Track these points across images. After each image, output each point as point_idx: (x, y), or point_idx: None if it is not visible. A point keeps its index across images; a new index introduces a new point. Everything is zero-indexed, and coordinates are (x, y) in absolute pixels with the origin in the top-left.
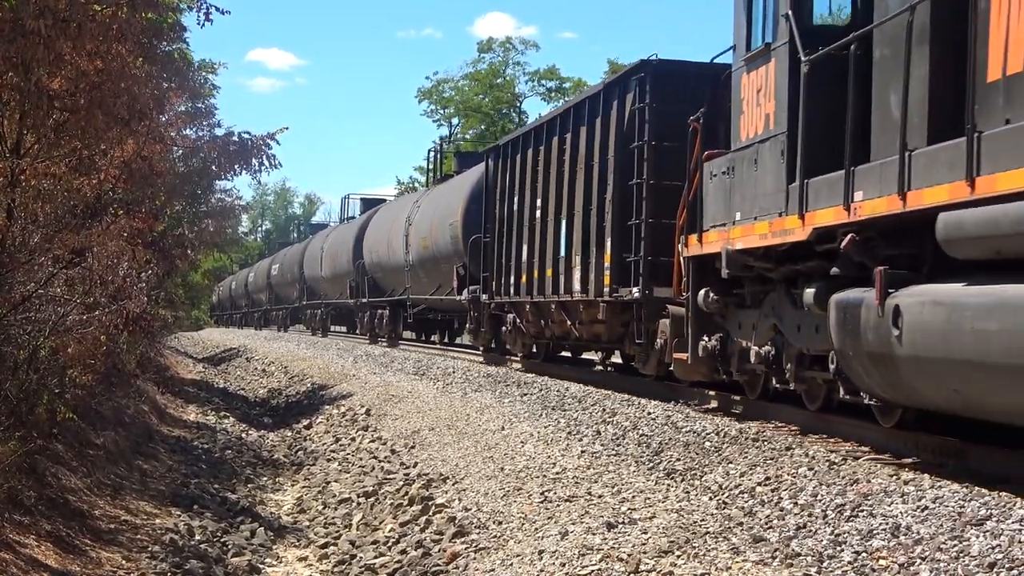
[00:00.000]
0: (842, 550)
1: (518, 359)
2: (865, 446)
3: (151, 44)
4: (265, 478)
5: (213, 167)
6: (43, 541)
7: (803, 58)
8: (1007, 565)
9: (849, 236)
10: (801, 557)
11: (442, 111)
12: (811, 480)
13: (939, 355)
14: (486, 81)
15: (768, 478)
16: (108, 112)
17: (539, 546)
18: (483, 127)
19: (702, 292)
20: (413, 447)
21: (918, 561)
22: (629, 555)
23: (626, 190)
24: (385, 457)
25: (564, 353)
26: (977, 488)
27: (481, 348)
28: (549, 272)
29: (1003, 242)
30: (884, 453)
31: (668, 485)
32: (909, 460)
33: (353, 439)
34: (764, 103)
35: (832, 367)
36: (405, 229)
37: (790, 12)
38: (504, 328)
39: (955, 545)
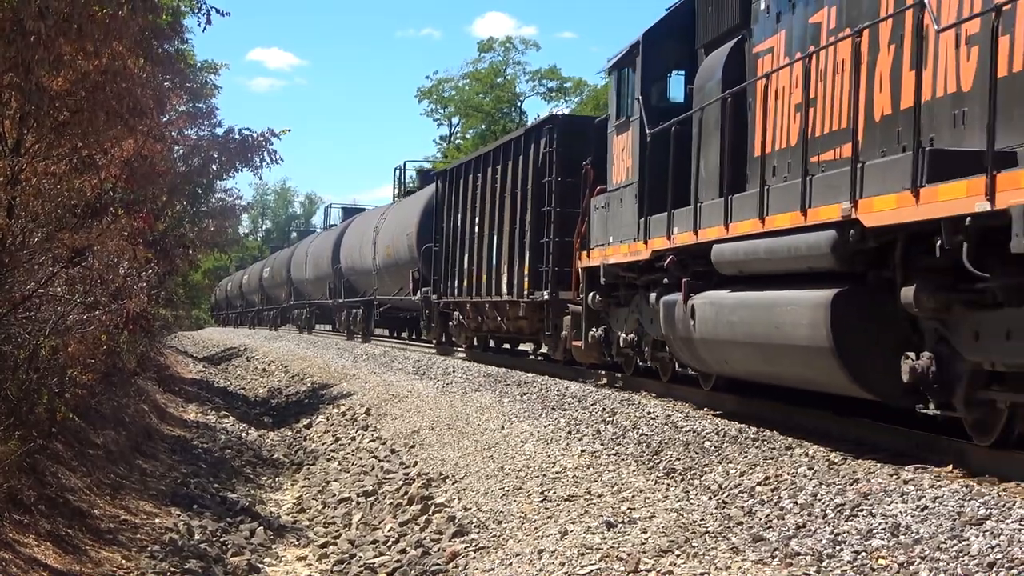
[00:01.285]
0: (842, 549)
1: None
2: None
3: (151, 44)
4: (265, 477)
5: (214, 166)
6: (43, 540)
7: (648, 131)
8: (1007, 564)
9: (670, 257)
10: (801, 556)
11: (442, 111)
12: (811, 480)
13: (714, 337)
14: (487, 81)
15: (768, 477)
16: (109, 112)
17: (539, 545)
18: (483, 127)
19: (591, 295)
20: (413, 446)
21: (918, 560)
22: (629, 554)
23: (539, 215)
24: (385, 456)
25: (506, 345)
26: (977, 488)
27: (434, 341)
28: (484, 277)
29: (741, 265)
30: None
31: (668, 484)
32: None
33: (353, 438)
34: (626, 159)
35: (668, 349)
36: (373, 238)
37: (640, 97)
38: (451, 323)
39: (955, 545)
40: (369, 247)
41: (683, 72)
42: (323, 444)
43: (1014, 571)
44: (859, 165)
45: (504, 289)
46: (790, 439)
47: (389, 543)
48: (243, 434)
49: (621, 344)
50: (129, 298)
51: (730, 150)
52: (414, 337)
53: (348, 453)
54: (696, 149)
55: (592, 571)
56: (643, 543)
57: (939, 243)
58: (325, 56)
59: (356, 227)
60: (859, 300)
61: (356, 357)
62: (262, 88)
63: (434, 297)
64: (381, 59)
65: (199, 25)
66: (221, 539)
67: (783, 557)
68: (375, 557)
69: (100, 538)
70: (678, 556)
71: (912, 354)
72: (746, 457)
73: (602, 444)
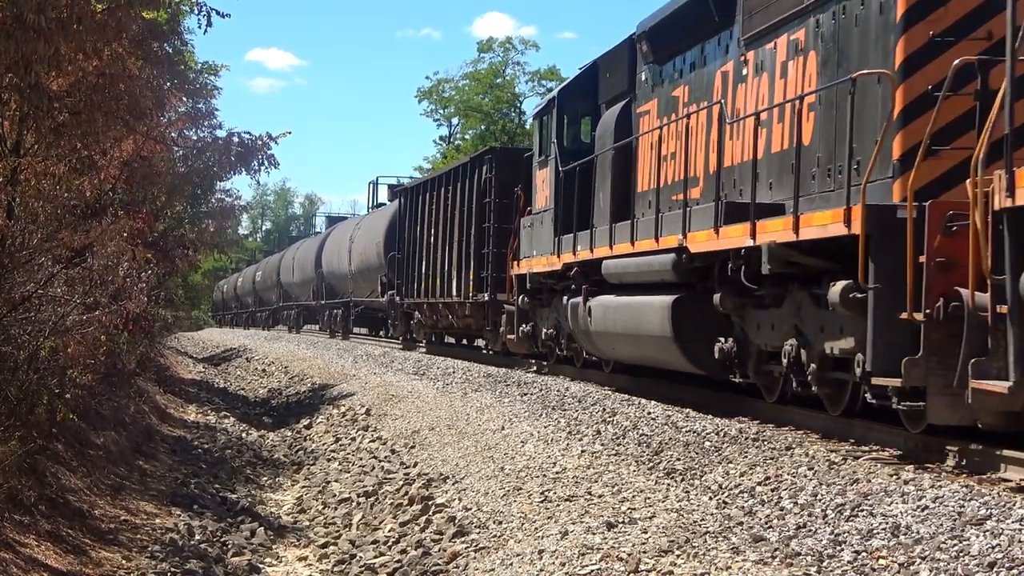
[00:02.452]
0: (842, 550)
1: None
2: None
3: (150, 45)
4: (265, 478)
5: (214, 168)
6: (43, 541)
7: (560, 169)
8: (1007, 565)
9: (575, 269)
10: (801, 557)
11: (442, 111)
12: (811, 480)
13: (604, 331)
14: (486, 81)
15: (768, 478)
16: (107, 113)
17: (539, 546)
18: (483, 127)
19: (520, 297)
20: (413, 447)
21: (918, 561)
22: (629, 555)
23: (481, 230)
24: (385, 457)
25: (462, 340)
26: (977, 488)
27: (400, 338)
28: (438, 281)
29: (620, 276)
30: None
31: (668, 485)
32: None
33: (353, 439)
34: (545, 189)
35: (575, 340)
36: (349, 246)
37: (555, 141)
38: (412, 321)
39: (955, 545)
40: (345, 254)
41: (590, 119)
42: (323, 444)
43: (1015, 571)
44: (688, 209)
45: (454, 292)
46: (790, 439)
47: (389, 543)
48: (243, 434)
49: (544, 337)
50: (129, 299)
51: (618, 188)
52: (389, 334)
53: (348, 453)
54: (595, 185)
55: (593, 571)
56: (643, 543)
57: (730, 265)
58: (325, 56)
59: (335, 235)
60: (690, 303)
61: (356, 357)
62: (262, 89)
63: (398, 299)
64: (381, 59)
65: (199, 27)
66: (221, 539)
67: (783, 557)
68: (375, 557)
69: (100, 538)
70: (678, 556)
71: (722, 339)
72: (746, 457)
73: (602, 444)
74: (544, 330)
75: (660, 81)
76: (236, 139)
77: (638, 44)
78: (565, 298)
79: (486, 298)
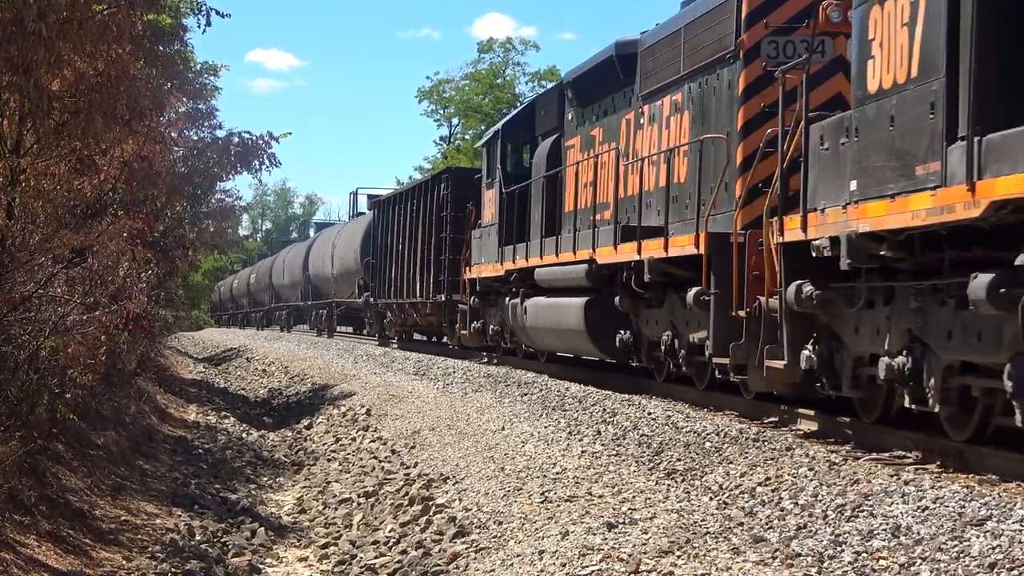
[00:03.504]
0: (842, 550)
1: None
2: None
3: (151, 46)
4: (265, 478)
5: (215, 168)
6: (43, 541)
7: (504, 190)
8: (1007, 565)
9: (515, 275)
10: (801, 557)
11: (442, 111)
12: (811, 480)
13: (536, 326)
14: (486, 81)
15: (768, 478)
16: (107, 113)
17: (539, 546)
18: (483, 127)
19: (472, 298)
20: (413, 447)
21: (918, 561)
22: (629, 555)
23: (439, 239)
24: (385, 457)
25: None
26: (977, 488)
27: (376, 335)
28: (406, 284)
29: (549, 282)
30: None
31: (668, 485)
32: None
33: (353, 439)
34: (491, 207)
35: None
36: (331, 251)
37: (499, 165)
38: (385, 320)
39: (955, 545)
40: (329, 258)
41: (529, 147)
42: (324, 445)
43: (1015, 572)
44: (596, 229)
45: (418, 293)
46: (791, 439)
47: (390, 544)
48: (244, 435)
49: (491, 332)
50: (129, 299)
51: (549, 208)
52: (366, 332)
53: (349, 454)
54: (531, 205)
55: (593, 572)
56: (644, 544)
57: (625, 274)
58: (325, 57)
59: (320, 241)
60: (598, 304)
61: (356, 357)
62: (262, 89)
63: (372, 300)
64: (381, 59)
65: (199, 27)
66: (222, 540)
67: (784, 558)
68: (376, 558)
69: (101, 539)
70: (679, 557)
71: (622, 332)
72: (747, 458)
73: (603, 445)
74: (491, 326)
75: (582, 121)
76: (236, 139)
77: (565, 90)
78: (507, 299)
79: (443, 299)
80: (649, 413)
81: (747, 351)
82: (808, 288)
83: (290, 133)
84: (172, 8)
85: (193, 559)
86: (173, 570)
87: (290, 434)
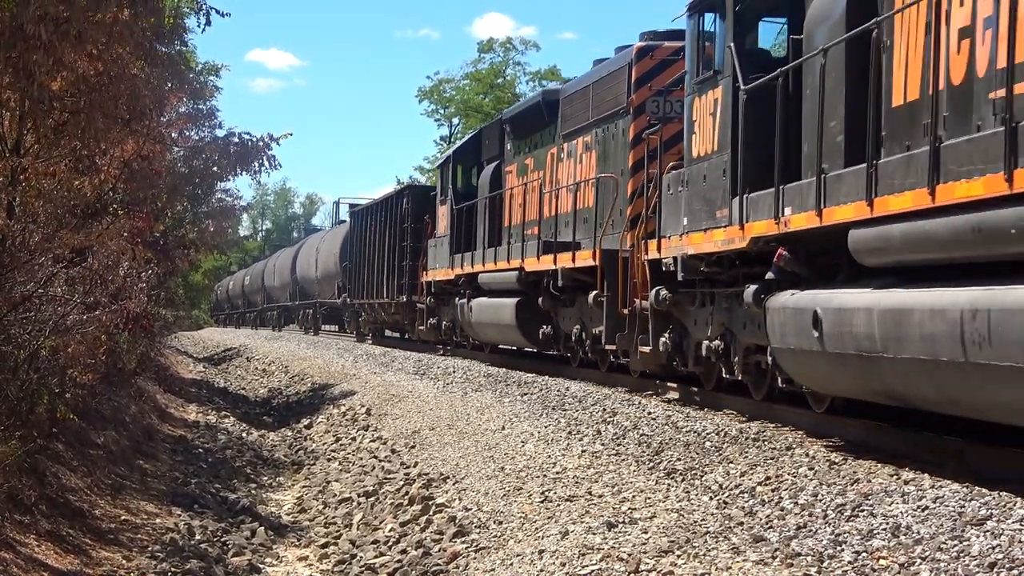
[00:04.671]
0: (842, 550)
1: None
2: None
3: (152, 46)
4: (265, 478)
5: (215, 168)
6: (43, 540)
7: (455, 206)
8: (1007, 565)
9: (463, 279)
10: (801, 557)
11: (443, 111)
12: (811, 480)
13: (479, 322)
14: (487, 81)
15: (768, 478)
16: (108, 114)
17: (539, 546)
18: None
19: (429, 298)
20: (413, 447)
21: (918, 561)
22: (629, 555)
23: (402, 247)
24: (385, 457)
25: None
26: (977, 488)
27: (354, 333)
28: (376, 286)
29: (490, 284)
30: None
31: (668, 485)
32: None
33: (353, 439)
34: (445, 220)
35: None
36: (316, 256)
37: (451, 185)
38: (360, 318)
39: (955, 545)
40: (313, 262)
41: (476, 170)
42: (324, 444)
43: (1015, 572)
44: (525, 243)
45: (385, 294)
46: (791, 439)
47: (390, 543)
48: (244, 434)
49: (444, 328)
50: (129, 298)
51: (491, 223)
52: (345, 329)
53: (349, 453)
54: (476, 220)
55: (593, 571)
56: (644, 543)
57: (546, 280)
58: (325, 56)
59: (306, 246)
60: (527, 304)
61: (356, 357)
62: (262, 89)
63: (349, 300)
64: (381, 59)
65: (199, 26)
66: (222, 539)
67: (784, 558)
68: (376, 557)
69: (101, 538)
70: (679, 556)
71: (545, 327)
72: (747, 457)
73: (602, 444)
74: (444, 323)
75: (518, 151)
76: (236, 139)
77: (505, 125)
78: (457, 299)
79: (405, 299)
80: (649, 413)
81: (628, 340)
82: (664, 293)
83: (291, 134)
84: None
85: (193, 558)
86: (173, 569)
87: (290, 434)
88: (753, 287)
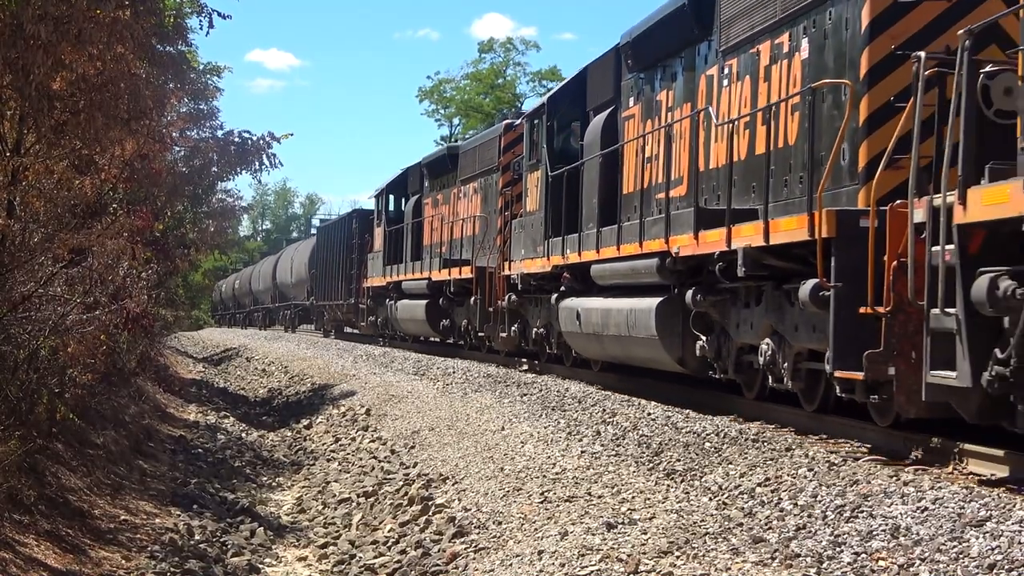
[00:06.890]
0: (842, 551)
1: (332, 332)
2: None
3: (152, 46)
4: (265, 478)
5: (215, 168)
6: (43, 540)
7: (388, 229)
8: (1007, 566)
9: (391, 285)
10: (801, 558)
11: (443, 111)
12: (811, 481)
13: (400, 318)
14: (487, 81)
15: (768, 479)
16: (108, 114)
17: (539, 546)
18: (484, 127)
19: (368, 300)
20: (413, 447)
21: (918, 562)
22: (629, 555)
23: (351, 259)
24: (385, 457)
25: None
26: (977, 489)
27: (321, 330)
28: (334, 290)
29: (409, 289)
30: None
31: (668, 485)
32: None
33: (353, 439)
34: (378, 239)
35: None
36: (291, 263)
37: (383, 212)
38: (325, 317)
39: (955, 546)
40: (289, 269)
41: (404, 199)
42: (323, 444)
43: (1014, 573)
44: (431, 259)
45: (340, 297)
46: (790, 440)
47: (389, 544)
48: (243, 434)
49: (379, 324)
50: (129, 298)
51: (416, 243)
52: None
53: (348, 453)
54: (404, 240)
55: (592, 572)
56: (643, 544)
57: (446, 287)
58: (325, 57)
59: (285, 254)
60: (433, 304)
61: (356, 357)
62: (262, 89)
63: (316, 302)
64: (381, 60)
65: (201, 28)
66: (221, 539)
67: (783, 559)
68: (375, 558)
69: (100, 538)
70: (678, 557)
71: (445, 320)
72: (746, 458)
73: (602, 445)
74: (379, 319)
75: (432, 188)
76: (236, 139)
77: (423, 168)
78: (387, 300)
79: (352, 301)
80: (649, 413)
81: (492, 329)
82: (513, 297)
83: (292, 134)
84: (173, 8)
85: (192, 559)
86: (172, 569)
87: (290, 434)
88: (555, 295)
